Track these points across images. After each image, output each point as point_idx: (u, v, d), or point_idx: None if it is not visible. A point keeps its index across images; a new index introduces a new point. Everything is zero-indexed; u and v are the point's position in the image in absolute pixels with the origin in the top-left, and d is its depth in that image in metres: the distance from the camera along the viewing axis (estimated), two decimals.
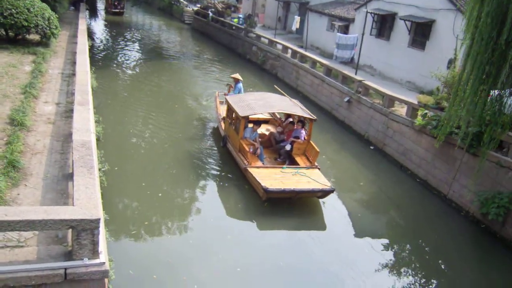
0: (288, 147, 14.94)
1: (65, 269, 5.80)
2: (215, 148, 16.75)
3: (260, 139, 15.18)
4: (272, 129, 17.30)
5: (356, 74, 22.29)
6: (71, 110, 11.08)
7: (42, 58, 16.18)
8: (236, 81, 19.09)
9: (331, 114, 22.23)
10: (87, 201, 6.09)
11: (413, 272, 11.26)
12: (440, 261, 11.71)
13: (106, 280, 6.15)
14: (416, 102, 16.74)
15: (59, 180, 8.18)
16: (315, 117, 14.87)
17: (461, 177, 14.28)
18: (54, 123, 10.92)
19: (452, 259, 11.99)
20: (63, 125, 10.81)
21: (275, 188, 12.37)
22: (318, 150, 14.36)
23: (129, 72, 27.92)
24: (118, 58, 31.31)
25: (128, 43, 37.18)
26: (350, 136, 19.92)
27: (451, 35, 19.73)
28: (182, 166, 14.84)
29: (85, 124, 9.07)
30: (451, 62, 18.66)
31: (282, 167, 13.86)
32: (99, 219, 5.73)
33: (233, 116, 15.46)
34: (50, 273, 5.75)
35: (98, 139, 14.27)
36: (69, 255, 5.98)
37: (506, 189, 12.68)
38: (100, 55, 30.95)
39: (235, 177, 14.39)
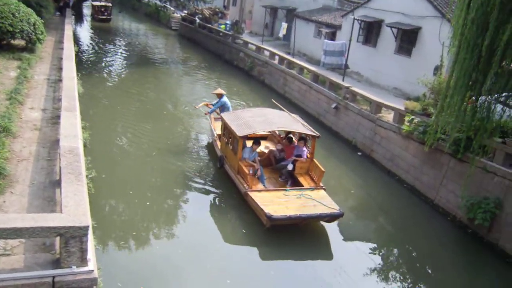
0: (290, 167, 13.98)
1: (53, 277, 5.69)
2: (207, 163, 16.33)
3: (259, 158, 14.22)
4: (271, 146, 16.22)
5: (343, 80, 22.43)
6: (58, 116, 10.95)
7: (27, 64, 15.98)
8: (219, 96, 17.75)
9: (318, 120, 22.30)
10: (75, 208, 6.00)
11: (401, 277, 11.31)
12: (427, 266, 11.77)
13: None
14: (403, 108, 16.88)
15: (46, 187, 8.06)
16: (318, 134, 14.06)
17: (448, 182, 14.39)
18: (41, 129, 10.77)
19: (439, 264, 12.06)
20: (49, 132, 10.67)
21: (280, 216, 11.34)
22: (323, 169, 13.44)
23: (116, 78, 27.76)
24: (105, 64, 31.13)
25: (114, 49, 36.99)
26: (338, 142, 20.00)
27: (437, 42, 19.94)
28: (170, 176, 14.65)
29: (72, 130, 8.96)
30: (437, 69, 18.87)
31: (285, 189, 12.94)
32: (88, 226, 5.65)
33: (230, 135, 14.40)
34: (38, 281, 5.64)
35: (85, 146, 14.10)
36: (57, 263, 5.87)
37: (492, 194, 12.81)
38: (87, 61, 30.74)
39: (233, 200, 13.51)
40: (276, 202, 12.02)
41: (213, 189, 14.23)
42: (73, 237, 5.57)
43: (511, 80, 10.61)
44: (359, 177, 16.65)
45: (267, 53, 29.69)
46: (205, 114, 18.23)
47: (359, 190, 15.56)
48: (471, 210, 12.94)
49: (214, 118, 18.01)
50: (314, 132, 14.03)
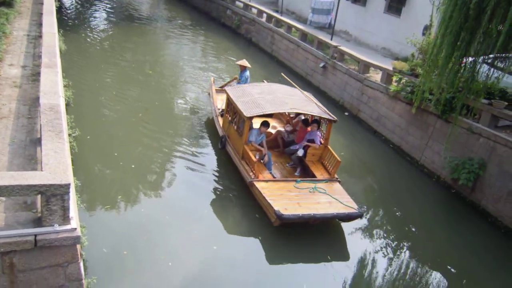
0: (300, 153, 12.36)
1: (35, 235, 5.62)
2: (199, 130, 15.61)
3: (265, 139, 12.67)
4: (278, 126, 14.58)
5: (331, 39, 22.10)
6: (38, 73, 10.64)
7: (5, 19, 15.39)
8: (243, 68, 15.60)
9: (306, 79, 22.10)
10: (56, 166, 5.87)
11: (385, 235, 11.48)
12: (411, 225, 11.96)
13: (78, 246, 6.01)
14: (391, 69, 16.75)
15: (26, 146, 7.89)
16: (335, 118, 12.35)
17: (434, 143, 14.46)
18: (21, 86, 10.49)
19: (423, 223, 12.25)
20: (30, 89, 10.40)
21: (291, 214, 9.92)
22: (339, 159, 11.87)
23: (100, 35, 27.02)
24: (88, 21, 30.27)
25: (98, 5, 35.88)
26: (325, 102, 19.78)
27: (427, 1, 19.54)
28: (156, 140, 14.32)
29: (53, 87, 8.71)
30: (426, 29, 18.63)
31: (296, 180, 11.44)
32: (69, 184, 5.55)
33: (235, 113, 12.87)
34: (20, 239, 5.57)
35: (68, 104, 13.83)
36: (38, 222, 5.79)
37: (477, 155, 12.91)
38: (69, 17, 29.83)
39: (234, 187, 12.35)
40: (286, 197, 10.65)
41: (208, 164, 13.41)
42: (54, 195, 5.47)
43: (499, 41, 10.49)
44: (345, 137, 16.64)
45: (254, 10, 29.04)
46: (223, 86, 16.22)
47: (345, 150, 15.59)
48: (455, 170, 13.07)
49: (216, 90, 16.37)
50: (330, 115, 12.35)
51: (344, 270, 9.94)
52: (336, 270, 9.84)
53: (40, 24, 15.61)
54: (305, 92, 13.70)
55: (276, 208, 9.94)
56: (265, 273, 9.57)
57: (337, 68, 19.83)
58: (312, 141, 12.45)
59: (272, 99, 12.51)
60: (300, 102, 12.73)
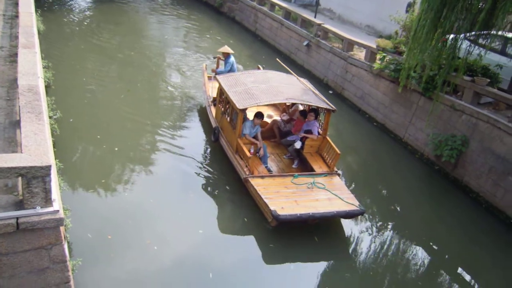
0: (298, 145, 11.69)
1: (17, 218, 5.53)
2: (189, 116, 15.17)
3: (261, 128, 11.99)
4: (274, 115, 13.90)
5: (315, 17, 21.97)
6: (16, 54, 10.36)
7: None
8: (226, 55, 14.91)
9: (290, 58, 21.99)
10: (36, 147, 5.75)
11: (370, 213, 11.56)
12: (395, 201, 12.09)
13: (61, 228, 5.94)
14: (374, 46, 16.72)
15: (6, 128, 7.72)
16: (334, 108, 11.74)
17: (417, 120, 14.56)
18: None
19: (406, 199, 12.39)
20: (7, 70, 10.13)
21: (288, 214, 9.31)
22: (338, 151, 11.19)
23: (79, 16, 26.43)
24: (66, 0, 29.55)
25: None
26: (309, 81, 19.59)
27: None
28: (140, 122, 14.06)
29: (31, 68, 8.49)
30: (410, 6, 18.63)
31: (293, 175, 10.75)
32: (50, 165, 5.44)
33: (227, 103, 12.12)
34: (1, 223, 5.47)
35: (48, 86, 13.59)
36: (20, 205, 5.69)
37: (459, 132, 13.04)
38: None
39: (220, 170, 12.06)
40: (283, 194, 10.02)
41: (192, 148, 13.04)
42: (35, 177, 5.37)
43: (480, 17, 10.51)
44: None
45: None
46: (213, 71, 15.17)
47: (329, 128, 15.56)
48: (438, 147, 13.19)
49: (208, 76, 15.51)
50: (329, 104, 11.69)
51: (329, 247, 10.00)
52: (321, 246, 9.90)
53: (16, 4, 15.18)
54: (301, 79, 13.04)
55: (272, 208, 9.33)
56: (254, 255, 9.52)
57: (321, 46, 19.74)
58: (310, 132, 11.86)
59: (266, 88, 11.69)
60: (296, 91, 11.96)
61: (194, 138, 13.78)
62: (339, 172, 11.35)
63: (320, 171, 11.16)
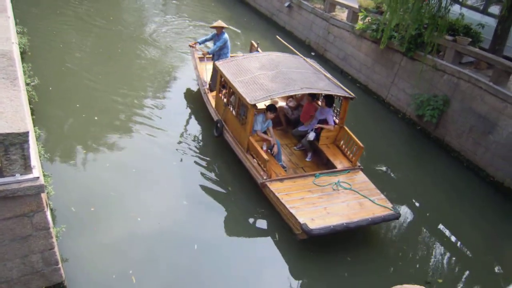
0: (312, 136, 10.48)
1: None
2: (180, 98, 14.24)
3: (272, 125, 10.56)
4: (279, 101, 12.23)
5: None
6: None
7: None
8: (220, 31, 12.85)
9: (271, 20, 21.64)
10: (13, 114, 5.59)
11: None
12: (378, 162, 12.18)
13: (43, 195, 5.87)
14: (357, 7, 16.49)
15: None
16: (353, 95, 10.36)
17: (399, 81, 14.56)
18: None
19: (388, 159, 12.51)
20: None
21: (321, 228, 8.13)
22: (361, 145, 9.98)
23: None
24: None
25: None
26: (291, 43, 19.38)
27: None
28: (121, 90, 13.54)
29: (4, 33, 8.17)
30: None
31: (314, 175, 9.54)
32: (28, 132, 5.31)
33: (231, 94, 10.76)
34: None
35: (24, 52, 13.17)
36: None
37: (441, 92, 13.09)
38: None
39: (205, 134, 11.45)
40: (309, 201, 8.81)
41: (175, 119, 12.58)
42: (12, 144, 5.25)
43: None
44: None
45: None
46: (204, 54, 13.15)
47: None
48: (420, 107, 13.26)
49: (199, 57, 13.62)
50: (347, 91, 10.31)
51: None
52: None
53: None
54: (309, 60, 11.62)
55: (301, 220, 8.21)
56: (239, 226, 9.38)
57: (302, 7, 19.42)
58: (325, 121, 10.57)
59: (276, 75, 10.26)
60: (309, 76, 10.49)
61: (175, 108, 13.35)
62: (361, 166, 10.21)
63: (341, 166, 10.02)
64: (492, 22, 13.90)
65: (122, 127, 11.86)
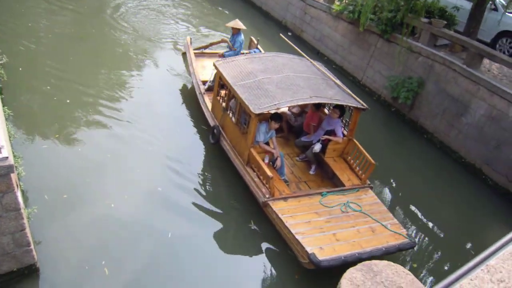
0: (318, 148, 9.49)
1: None
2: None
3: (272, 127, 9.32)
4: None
5: None
6: None
7: None
8: (236, 31, 11.94)
9: (248, 0, 21.37)
10: None
11: None
12: None
13: (13, 175, 5.70)
14: None
15: None
16: (366, 106, 9.39)
17: (375, 62, 14.62)
18: None
19: (363, 140, 12.51)
20: None
21: (330, 259, 7.22)
22: (373, 161, 9.12)
23: None
24: None
25: None
26: (269, 23, 19.45)
27: None
28: (93, 71, 13.14)
29: None
30: None
31: (321, 194, 8.67)
32: None
33: (231, 98, 9.78)
34: None
35: None
36: None
37: (416, 74, 13.21)
38: None
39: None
40: (316, 225, 7.94)
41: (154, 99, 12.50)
42: None
43: None
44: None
45: None
46: (219, 56, 12.31)
47: None
48: (395, 89, 13.36)
49: (195, 54, 12.69)
50: (359, 101, 9.37)
51: None
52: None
53: None
54: (315, 63, 10.58)
55: (309, 249, 7.31)
56: (212, 212, 9.12)
57: None
58: (332, 132, 9.61)
59: (282, 81, 9.23)
60: (318, 83, 9.49)
61: (156, 90, 12.92)
62: (371, 184, 9.41)
63: (350, 184, 9.17)
64: (467, 5, 14.04)
65: (96, 112, 11.36)
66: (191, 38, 13.42)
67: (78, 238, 7.75)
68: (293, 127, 10.80)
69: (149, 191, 9.13)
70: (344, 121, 9.92)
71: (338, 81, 9.87)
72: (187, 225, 8.62)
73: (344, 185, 9.12)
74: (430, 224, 9.99)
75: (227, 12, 19.65)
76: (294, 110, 10.96)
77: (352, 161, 9.67)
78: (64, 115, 10.98)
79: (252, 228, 8.67)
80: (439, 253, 9.25)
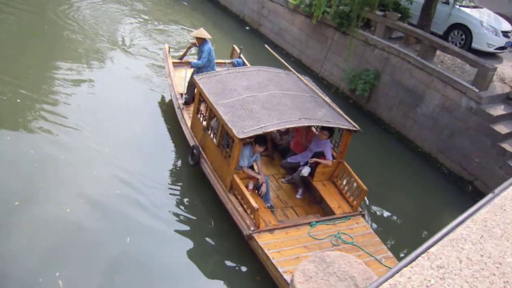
0: (306, 172, 8.84)
1: None
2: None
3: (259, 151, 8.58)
4: None
5: None
6: None
7: None
8: (200, 42, 10.68)
9: None
10: None
11: None
12: None
13: None
14: None
15: None
16: (358, 128, 8.76)
17: (332, 55, 14.79)
18: None
19: None
20: None
21: None
22: (365, 188, 8.48)
23: None
24: None
25: None
26: (226, 17, 19.32)
27: None
28: (50, 56, 12.90)
29: None
30: None
31: (309, 224, 8.03)
32: None
33: (212, 117, 9.00)
34: None
35: None
36: None
37: (372, 66, 13.45)
38: None
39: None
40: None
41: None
42: None
43: None
44: (247, 50, 16.38)
45: None
46: (180, 59, 11.87)
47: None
48: (352, 81, 13.57)
49: (174, 63, 11.74)
50: (352, 123, 8.78)
51: None
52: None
53: None
54: (303, 78, 9.88)
55: None
56: (172, 214, 8.83)
57: None
58: (322, 154, 8.93)
59: (268, 99, 8.49)
60: (306, 101, 8.85)
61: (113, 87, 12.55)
62: (363, 212, 8.89)
63: (340, 211, 8.53)
64: None
65: (52, 103, 10.95)
66: (169, 47, 12.39)
67: (31, 248, 7.31)
68: (280, 147, 10.16)
69: (107, 193, 8.74)
70: (333, 142, 9.33)
71: (327, 98, 9.32)
72: (146, 228, 8.26)
73: (334, 213, 8.49)
74: (386, 213, 10.24)
75: (183, 7, 19.40)
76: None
77: (342, 186, 9.03)
78: (9, 119, 10.25)
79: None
80: (394, 241, 9.49)
